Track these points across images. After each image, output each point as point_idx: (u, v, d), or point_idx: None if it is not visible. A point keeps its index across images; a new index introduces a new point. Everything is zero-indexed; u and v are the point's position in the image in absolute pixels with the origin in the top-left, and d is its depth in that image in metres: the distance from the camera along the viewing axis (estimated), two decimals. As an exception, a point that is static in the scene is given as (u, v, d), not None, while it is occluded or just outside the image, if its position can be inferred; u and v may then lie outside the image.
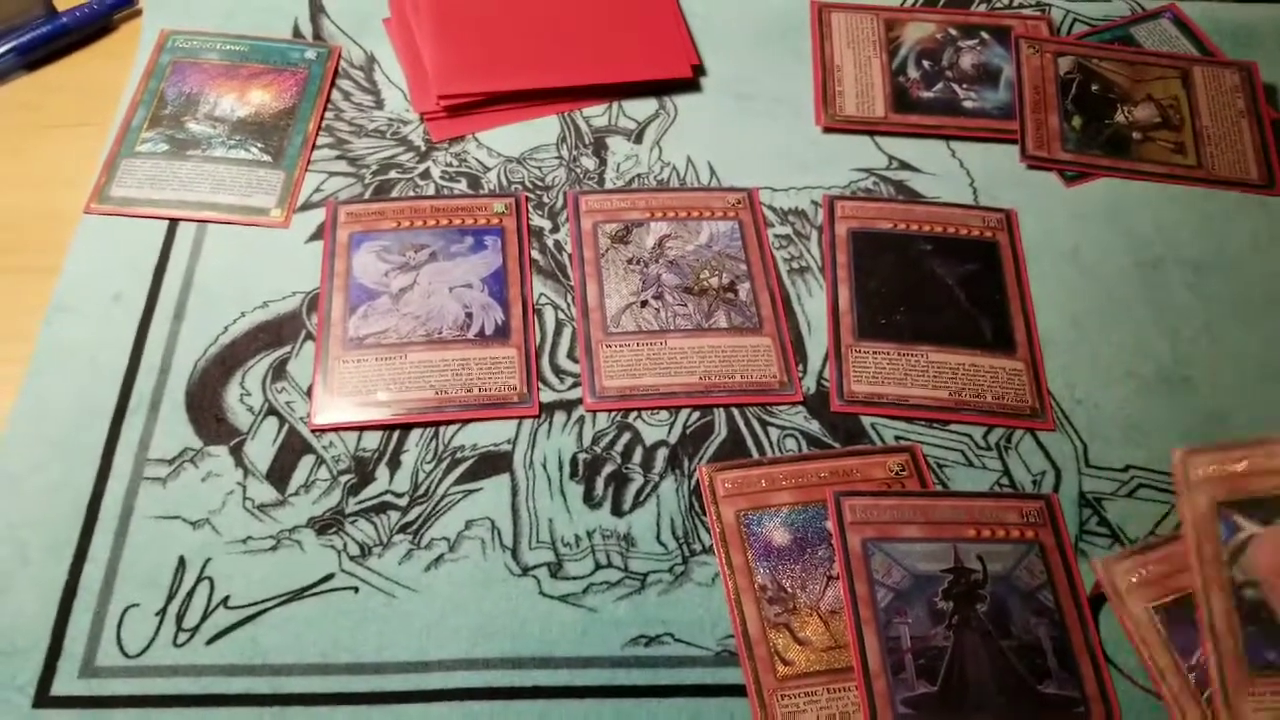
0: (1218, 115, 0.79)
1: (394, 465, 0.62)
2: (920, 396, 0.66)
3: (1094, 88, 0.80)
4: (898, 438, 0.65)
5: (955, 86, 0.80)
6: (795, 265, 0.72)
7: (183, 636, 0.56)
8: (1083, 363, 0.68)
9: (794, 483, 0.62)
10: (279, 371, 0.65)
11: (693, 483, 0.62)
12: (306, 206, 0.72)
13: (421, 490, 0.61)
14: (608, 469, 0.63)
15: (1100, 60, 0.81)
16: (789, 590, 0.58)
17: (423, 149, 0.75)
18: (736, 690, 0.56)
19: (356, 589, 0.58)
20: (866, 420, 0.65)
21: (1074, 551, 0.60)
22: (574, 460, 0.63)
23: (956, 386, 0.66)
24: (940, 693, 0.55)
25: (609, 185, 0.75)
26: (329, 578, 0.58)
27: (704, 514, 0.61)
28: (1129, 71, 0.81)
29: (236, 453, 0.62)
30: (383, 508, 0.61)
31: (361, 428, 0.63)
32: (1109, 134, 0.78)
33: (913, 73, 0.81)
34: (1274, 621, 0.57)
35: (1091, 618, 0.58)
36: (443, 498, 0.61)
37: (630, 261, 0.71)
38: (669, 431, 0.64)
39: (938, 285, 0.71)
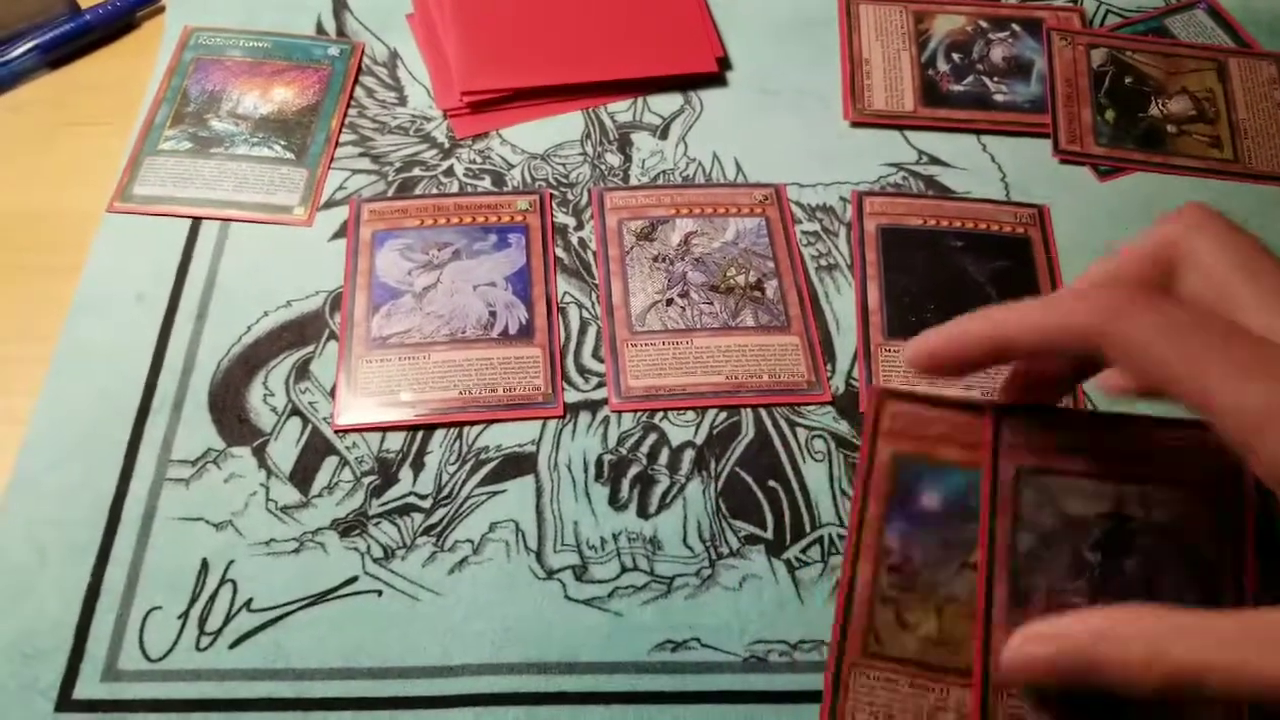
0: (1254, 108, 0.78)
1: (417, 466, 0.62)
2: (953, 396, 0.64)
3: (1127, 80, 0.79)
4: (928, 439, 0.63)
5: (986, 80, 0.79)
6: (823, 263, 0.70)
7: (205, 640, 0.56)
8: (1117, 361, 0.67)
9: (969, 438, 0.51)
10: (302, 371, 0.64)
11: (721, 484, 0.62)
12: (330, 204, 0.71)
13: (445, 492, 0.61)
14: (633, 470, 0.62)
15: (1134, 53, 0.80)
16: (914, 564, 0.51)
17: (446, 146, 0.75)
18: (765, 697, 0.55)
19: (380, 592, 0.57)
20: (897, 421, 0.64)
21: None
22: (599, 461, 0.62)
23: (989, 386, 0.65)
24: None
25: (634, 182, 0.74)
26: (352, 580, 0.58)
27: (731, 518, 0.60)
28: (1163, 64, 0.80)
29: (259, 453, 0.61)
30: (406, 509, 0.60)
31: (385, 428, 0.63)
32: (1143, 128, 0.77)
33: (942, 66, 0.80)
34: None
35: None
36: (466, 499, 0.61)
37: (656, 259, 0.70)
38: (695, 432, 0.64)
39: (968, 283, 0.69)
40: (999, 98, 0.78)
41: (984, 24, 0.82)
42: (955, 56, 0.80)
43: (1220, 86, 0.79)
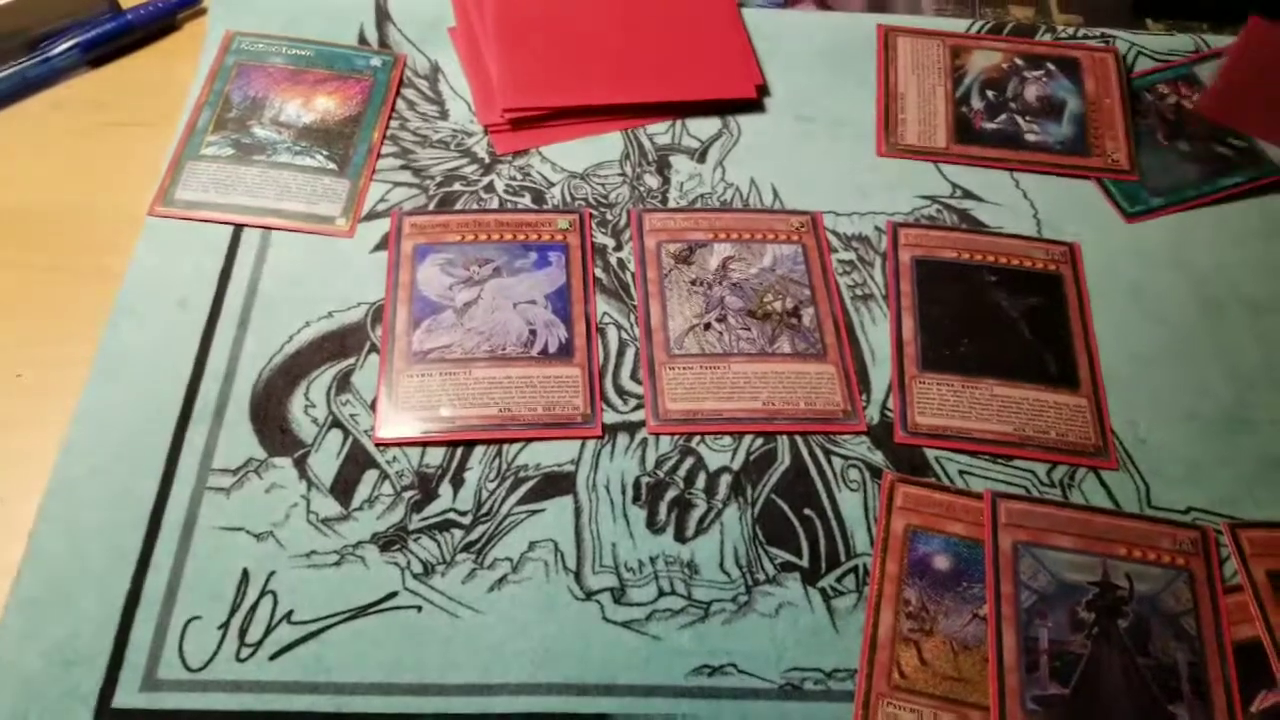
0: None
1: (457, 483, 0.62)
2: (984, 430, 0.66)
3: None
4: (961, 472, 0.64)
5: (1019, 119, 0.80)
6: (859, 292, 0.71)
7: (245, 651, 0.56)
8: (1145, 401, 0.68)
9: (971, 518, 0.62)
10: (343, 383, 0.65)
11: (757, 510, 0.62)
12: (371, 216, 0.71)
13: (485, 509, 0.61)
14: (670, 494, 0.63)
15: None
16: (930, 612, 0.59)
17: (487, 162, 0.75)
18: (801, 725, 0.56)
19: (420, 608, 0.58)
20: (930, 454, 0.65)
21: (1223, 586, 0.61)
22: (637, 484, 0.63)
23: (1020, 422, 0.66)
24: (1072, 695, 0.56)
25: (672, 204, 0.74)
26: (392, 595, 0.58)
27: (767, 544, 0.61)
28: None
29: (300, 465, 0.62)
30: (446, 525, 0.60)
31: (425, 443, 0.63)
32: None
33: (976, 103, 0.81)
34: None
35: (1232, 652, 0.59)
36: (506, 517, 0.61)
37: (694, 283, 0.70)
38: (732, 457, 0.64)
39: (1002, 317, 0.70)
40: (1030, 137, 0.79)
41: (1019, 61, 0.83)
42: (989, 94, 0.81)
43: None
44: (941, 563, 0.61)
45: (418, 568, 0.59)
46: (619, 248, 0.72)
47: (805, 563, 0.61)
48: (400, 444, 0.63)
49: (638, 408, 0.65)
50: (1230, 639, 0.59)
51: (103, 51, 0.77)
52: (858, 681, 0.57)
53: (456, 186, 0.73)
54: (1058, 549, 0.61)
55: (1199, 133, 0.80)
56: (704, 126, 0.79)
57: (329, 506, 0.60)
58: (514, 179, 0.74)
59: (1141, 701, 0.57)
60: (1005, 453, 0.65)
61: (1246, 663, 0.58)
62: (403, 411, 0.63)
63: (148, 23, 0.78)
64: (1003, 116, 0.80)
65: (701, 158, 0.77)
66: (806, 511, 0.63)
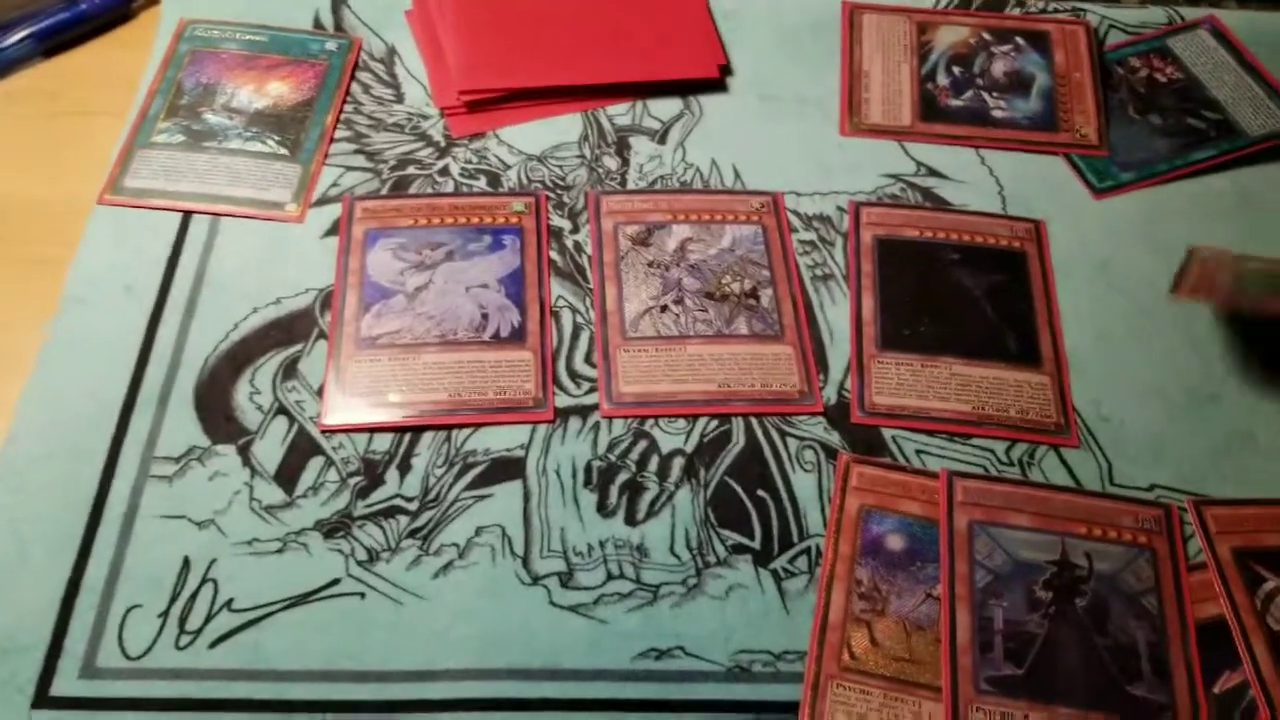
0: None
1: (404, 469, 0.61)
2: (943, 410, 0.64)
3: None
4: (919, 451, 0.63)
5: (985, 95, 0.79)
6: (819, 272, 0.70)
7: (185, 639, 0.55)
8: (1109, 377, 0.67)
9: (927, 497, 0.61)
10: (290, 370, 0.64)
11: (710, 493, 0.61)
12: (323, 201, 0.71)
13: (432, 495, 0.60)
14: (622, 477, 0.62)
15: None
16: (882, 593, 0.58)
17: (442, 145, 0.74)
18: (747, 707, 0.55)
19: (363, 594, 0.57)
20: (888, 433, 0.64)
21: (1186, 564, 0.59)
22: (588, 468, 0.62)
23: (980, 400, 0.65)
24: (1026, 675, 0.55)
25: (631, 186, 0.73)
26: (335, 582, 0.57)
27: (719, 527, 0.60)
28: None
29: (244, 452, 0.61)
30: (392, 512, 0.60)
31: (372, 429, 0.62)
32: None
33: (942, 80, 0.79)
34: None
35: (1195, 632, 0.57)
36: (453, 503, 0.60)
37: (651, 265, 0.69)
38: (686, 440, 0.63)
39: (964, 296, 0.69)
40: (998, 114, 0.78)
41: (987, 36, 0.81)
42: (956, 70, 0.80)
43: None
44: (895, 543, 0.60)
45: (362, 554, 0.58)
46: (576, 230, 0.71)
47: (757, 544, 0.60)
48: (347, 430, 0.62)
49: (591, 391, 0.64)
50: (1193, 618, 0.58)
51: (57, 41, 0.77)
52: (807, 663, 0.56)
53: (411, 170, 0.73)
54: (1015, 528, 0.60)
55: (1171, 106, 0.79)
56: (665, 107, 0.78)
57: (272, 494, 0.60)
58: (470, 162, 0.73)
59: (1099, 681, 0.55)
60: (964, 431, 0.64)
61: (1210, 642, 0.57)
62: (350, 398, 0.63)
63: (102, 12, 0.78)
64: (969, 93, 0.79)
65: (662, 139, 0.76)
66: (760, 493, 0.62)
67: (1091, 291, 0.70)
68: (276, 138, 0.72)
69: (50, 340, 0.64)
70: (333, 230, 0.69)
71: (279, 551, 0.58)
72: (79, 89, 0.76)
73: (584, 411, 0.64)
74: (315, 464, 0.61)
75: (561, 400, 0.64)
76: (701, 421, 0.64)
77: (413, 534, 0.59)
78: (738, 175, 0.74)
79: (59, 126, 0.73)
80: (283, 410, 0.62)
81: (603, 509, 0.61)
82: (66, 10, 0.76)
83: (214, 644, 0.55)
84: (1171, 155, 0.76)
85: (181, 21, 0.78)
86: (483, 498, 0.60)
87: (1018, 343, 0.67)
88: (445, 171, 0.73)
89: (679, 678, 0.56)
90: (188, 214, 0.69)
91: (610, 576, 0.58)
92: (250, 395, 0.63)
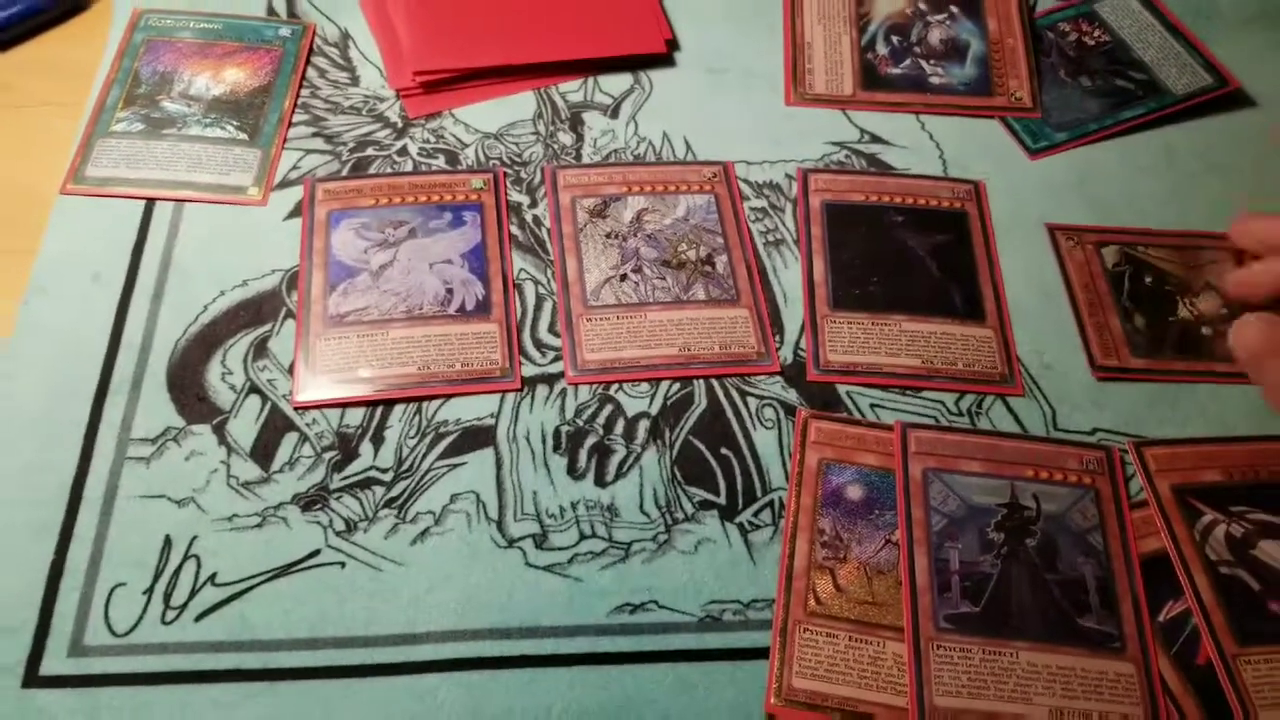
0: None
1: (377, 441, 0.63)
2: (894, 365, 0.67)
3: (1148, 280, 0.72)
4: (873, 405, 0.66)
5: (923, 63, 0.81)
6: (771, 238, 0.73)
7: (171, 614, 0.57)
8: (1050, 329, 0.70)
9: (883, 448, 0.64)
10: (260, 350, 0.65)
11: (675, 453, 0.63)
12: (284, 184, 0.72)
13: (406, 465, 0.62)
14: (590, 441, 0.64)
15: (1146, 248, 0.73)
16: (844, 540, 0.61)
17: (399, 126, 0.76)
18: (720, 654, 0.57)
19: (343, 564, 0.59)
20: (842, 389, 0.66)
21: (1129, 501, 0.62)
22: (557, 433, 0.64)
23: (929, 354, 0.68)
24: (982, 613, 0.58)
25: (586, 160, 0.75)
26: (315, 553, 0.59)
27: (686, 484, 0.62)
28: (1180, 257, 0.73)
29: (219, 431, 0.62)
30: (367, 483, 0.61)
31: (344, 404, 0.64)
32: (1177, 332, 0.70)
33: (881, 49, 0.82)
34: (1254, 593, 0.60)
35: (1139, 565, 0.60)
36: (427, 472, 0.62)
37: (609, 236, 0.71)
38: (650, 403, 0.65)
39: (909, 256, 0.72)
40: (935, 80, 0.80)
41: (923, 6, 0.84)
42: (894, 39, 0.82)
43: None
44: (854, 492, 0.62)
45: (340, 525, 0.60)
46: (534, 205, 0.73)
47: (723, 500, 0.62)
48: (319, 406, 0.63)
49: (556, 359, 0.66)
50: (1137, 553, 0.61)
51: (11, 34, 0.77)
52: (775, 610, 0.58)
53: (369, 151, 0.74)
54: (967, 474, 0.63)
55: (1100, 68, 0.82)
56: (616, 83, 0.80)
57: (249, 470, 0.61)
58: (427, 142, 0.75)
59: (1051, 615, 0.58)
60: (915, 385, 0.67)
61: (1153, 575, 0.60)
62: (320, 375, 0.64)
63: (54, 5, 0.78)
64: (907, 61, 0.81)
65: (614, 113, 0.78)
66: (723, 451, 0.64)
67: (1030, 248, 0.73)
68: (235, 123, 0.73)
69: (20, 331, 0.65)
70: (295, 212, 0.71)
71: (259, 526, 0.59)
72: (34, 81, 0.76)
73: (550, 379, 0.66)
74: (290, 440, 0.62)
75: (528, 369, 0.66)
76: (664, 385, 0.66)
77: (389, 503, 0.61)
78: (689, 146, 0.77)
79: (15, 119, 0.74)
80: (255, 389, 0.64)
81: (573, 472, 0.63)
82: (20, 3, 0.77)
83: (199, 617, 0.56)
84: (1102, 115, 0.80)
85: (135, 11, 0.79)
86: (456, 466, 0.62)
87: (963, 299, 0.70)
88: (404, 152, 0.74)
89: (653, 630, 0.58)
90: (151, 201, 0.70)
91: (583, 536, 0.61)
92: (223, 375, 0.64)
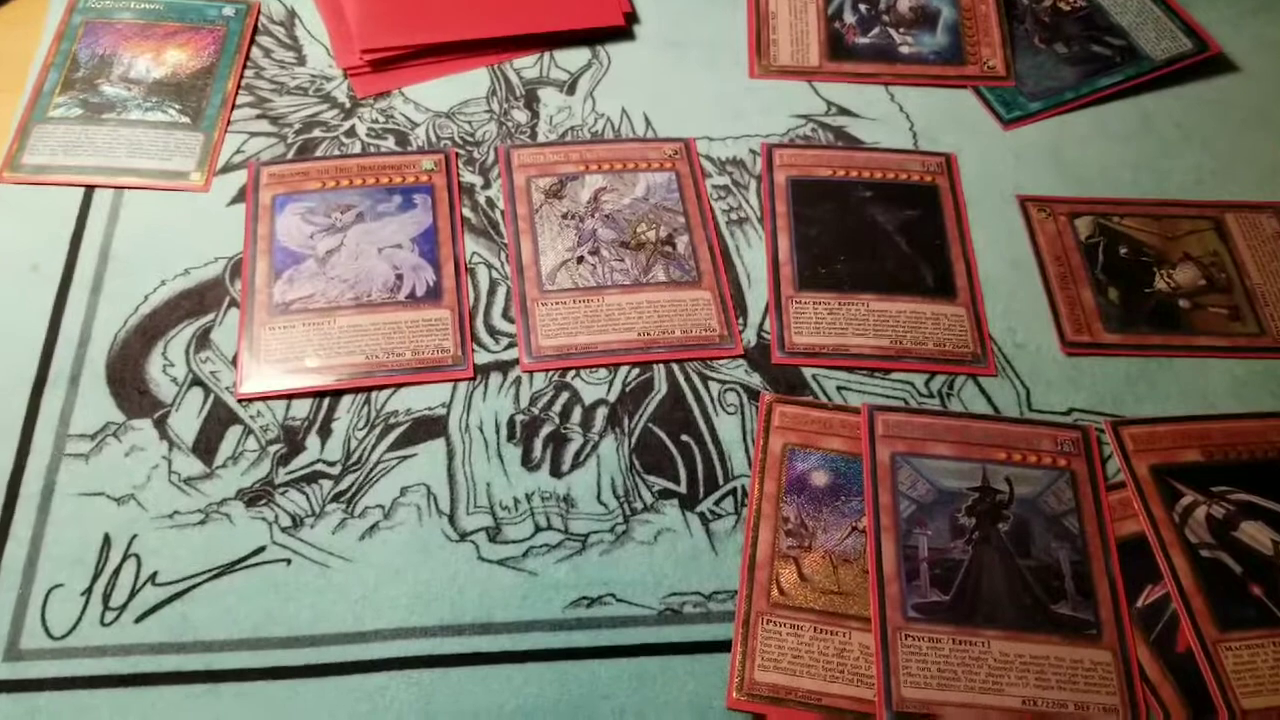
0: (1265, 269, 0.70)
1: (325, 433, 0.61)
2: (861, 345, 0.65)
3: (1123, 251, 0.69)
4: (840, 388, 0.64)
5: (892, 31, 0.79)
6: (734, 216, 0.70)
7: (110, 615, 0.55)
8: (1024, 306, 0.68)
9: (849, 432, 0.62)
10: (202, 340, 0.63)
11: (634, 440, 0.61)
12: (227, 169, 0.70)
13: (354, 458, 0.60)
14: (546, 430, 0.62)
15: (1121, 218, 0.71)
16: (809, 528, 0.59)
17: (347, 106, 0.73)
18: (679, 648, 0.55)
19: (289, 561, 0.57)
20: (808, 372, 0.64)
21: (1105, 483, 0.60)
22: (511, 422, 0.62)
23: (898, 334, 0.65)
24: (952, 601, 0.57)
25: (542, 139, 0.73)
26: (260, 550, 0.57)
27: (645, 473, 0.60)
28: (1157, 227, 0.71)
29: (160, 425, 0.60)
30: (314, 477, 0.59)
31: (290, 396, 0.62)
32: (1152, 305, 0.67)
33: (849, 17, 0.79)
34: (1235, 576, 0.58)
35: (1116, 548, 0.59)
36: (376, 465, 0.60)
37: (565, 216, 0.69)
38: (608, 390, 0.63)
39: (878, 232, 0.70)
40: (905, 49, 0.78)
41: (891, -28, 0.82)
42: (862, 7, 0.80)
43: (1224, 247, 0.70)
44: (820, 478, 0.60)
45: (286, 521, 0.58)
46: (487, 185, 0.70)
47: (683, 489, 0.60)
48: (264, 398, 0.61)
49: (510, 346, 0.64)
50: (1114, 535, 0.59)
51: (-56, 20, 0.75)
52: (738, 602, 0.56)
53: (316, 133, 0.72)
54: (936, 457, 0.61)
55: (1076, 34, 0.79)
56: (572, 58, 0.77)
57: (191, 466, 0.59)
58: (376, 122, 0.72)
59: (1024, 602, 0.57)
60: (883, 366, 0.65)
61: (1131, 559, 0.58)
62: (265, 365, 0.62)
63: (-11, -13, 0.76)
64: (876, 30, 0.79)
65: (571, 90, 0.75)
66: (684, 438, 0.62)
67: (1003, 221, 0.71)
68: (177, 106, 0.71)
69: (-47, 324, 0.63)
70: (239, 198, 0.68)
71: (201, 523, 0.57)
72: (-31, 67, 0.74)
73: (504, 367, 0.64)
74: (234, 433, 0.60)
75: (481, 357, 0.64)
76: (623, 371, 0.64)
77: (336, 498, 0.59)
78: (649, 123, 0.74)
79: (-50, 107, 0.72)
80: (198, 381, 0.62)
81: (528, 462, 0.61)
82: (-50, -14, 0.74)
83: (140, 618, 0.55)
84: (1078, 83, 0.77)
85: (73, -8, 0.76)
86: (406, 458, 0.60)
87: (933, 276, 0.68)
88: (352, 133, 0.72)
89: (610, 624, 0.56)
90: (90, 188, 0.68)
91: (538, 528, 0.59)
92: (164, 368, 0.62)
